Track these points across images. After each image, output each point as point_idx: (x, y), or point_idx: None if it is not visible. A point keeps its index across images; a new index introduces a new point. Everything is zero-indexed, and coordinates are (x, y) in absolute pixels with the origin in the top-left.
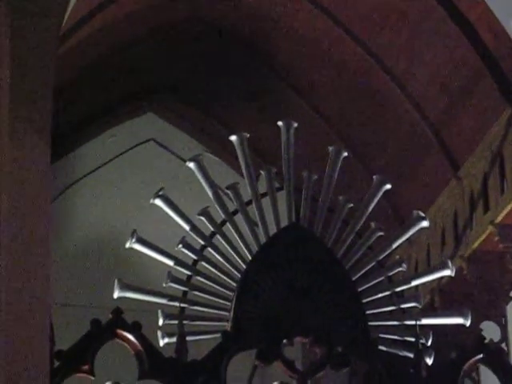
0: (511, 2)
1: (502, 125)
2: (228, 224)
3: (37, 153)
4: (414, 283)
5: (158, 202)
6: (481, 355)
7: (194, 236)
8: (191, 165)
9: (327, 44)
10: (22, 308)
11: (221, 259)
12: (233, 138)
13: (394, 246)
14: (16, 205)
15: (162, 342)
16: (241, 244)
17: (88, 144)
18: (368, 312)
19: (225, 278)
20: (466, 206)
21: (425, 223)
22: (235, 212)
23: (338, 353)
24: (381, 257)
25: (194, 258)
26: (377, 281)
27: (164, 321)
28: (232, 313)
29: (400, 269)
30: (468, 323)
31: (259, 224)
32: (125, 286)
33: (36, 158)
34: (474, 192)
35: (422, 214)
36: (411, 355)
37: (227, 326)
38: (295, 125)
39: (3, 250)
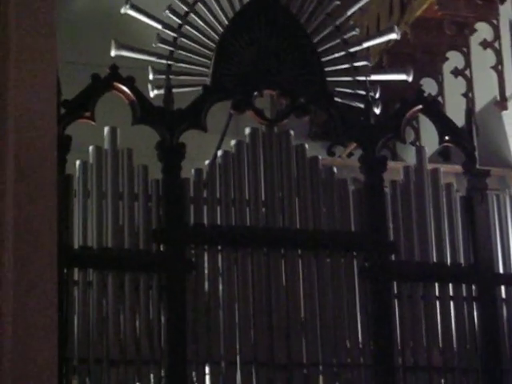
0: None
1: None
2: None
3: None
4: (366, 45)
5: None
6: (420, 106)
7: (179, 4)
8: None
9: None
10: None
11: (202, 24)
12: None
13: (349, 13)
14: None
15: (152, 94)
16: (219, 11)
17: None
18: (326, 69)
19: (206, 40)
20: None
21: None
22: None
23: (301, 103)
24: (337, 22)
25: (179, 22)
26: (334, 43)
27: (154, 76)
28: (211, 69)
29: (354, 32)
30: (410, 79)
31: None
32: (120, 46)
33: None
34: None
35: None
36: (362, 106)
37: (207, 80)
38: None
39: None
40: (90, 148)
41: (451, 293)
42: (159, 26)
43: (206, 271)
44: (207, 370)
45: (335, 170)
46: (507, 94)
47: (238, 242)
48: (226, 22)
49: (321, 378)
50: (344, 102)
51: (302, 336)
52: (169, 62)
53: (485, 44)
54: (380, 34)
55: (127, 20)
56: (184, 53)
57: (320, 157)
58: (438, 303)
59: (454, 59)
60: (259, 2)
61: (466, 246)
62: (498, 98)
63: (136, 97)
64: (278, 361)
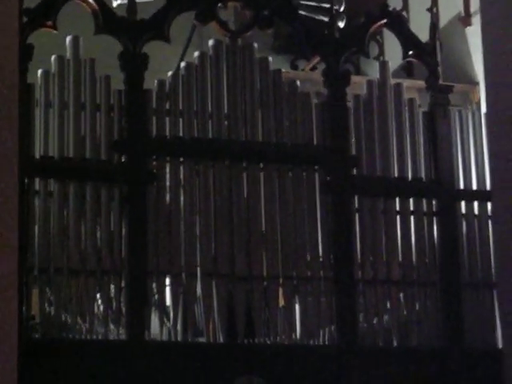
0: None
1: None
2: None
3: None
4: None
5: None
6: (385, 20)
7: None
8: None
9: None
10: None
11: None
12: None
13: None
14: None
15: (115, 3)
16: None
17: None
18: None
19: None
20: None
21: None
22: None
23: (265, 15)
24: None
25: None
26: None
27: None
28: None
29: None
30: None
31: None
32: None
33: None
34: None
35: None
36: (326, 19)
37: None
38: None
39: None
40: (52, 57)
41: (412, 207)
42: None
43: (168, 183)
44: (167, 281)
45: (298, 83)
46: (472, 9)
47: (199, 154)
48: None
49: (280, 290)
50: (308, 15)
51: (262, 249)
52: None
53: None
54: None
55: None
56: None
57: (283, 70)
58: (398, 218)
59: None
60: None
61: (428, 161)
62: (463, 13)
63: (98, 6)
64: (238, 273)
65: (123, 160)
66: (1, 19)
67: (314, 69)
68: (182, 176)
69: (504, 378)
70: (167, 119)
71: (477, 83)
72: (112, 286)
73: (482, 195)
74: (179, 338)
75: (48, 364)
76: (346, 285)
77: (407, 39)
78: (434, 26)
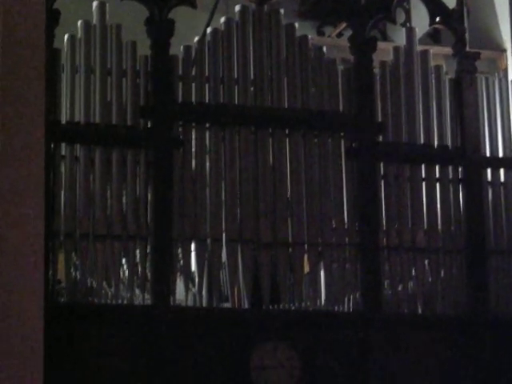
0: None
1: None
2: None
3: None
4: None
5: None
6: None
7: None
8: None
9: None
10: None
11: None
12: None
13: None
14: None
15: None
16: None
17: None
18: None
19: None
20: None
21: None
22: None
23: None
24: None
25: None
26: None
27: None
28: None
29: None
30: None
31: None
32: None
33: None
34: None
35: None
36: None
37: None
38: None
39: None
40: (79, 23)
41: (437, 174)
42: None
43: (194, 149)
44: (193, 246)
45: (325, 49)
46: None
47: (225, 120)
48: None
49: (305, 256)
50: None
51: (287, 215)
52: None
53: None
54: None
55: None
56: None
57: (309, 36)
58: (424, 184)
59: None
60: None
61: (454, 128)
62: None
63: None
64: (263, 239)
65: (149, 126)
66: None
67: (340, 35)
68: (207, 142)
69: None
70: (193, 85)
71: (504, 50)
72: (137, 252)
73: (508, 163)
74: (204, 304)
75: (73, 328)
76: (371, 251)
77: (434, 5)
78: None
